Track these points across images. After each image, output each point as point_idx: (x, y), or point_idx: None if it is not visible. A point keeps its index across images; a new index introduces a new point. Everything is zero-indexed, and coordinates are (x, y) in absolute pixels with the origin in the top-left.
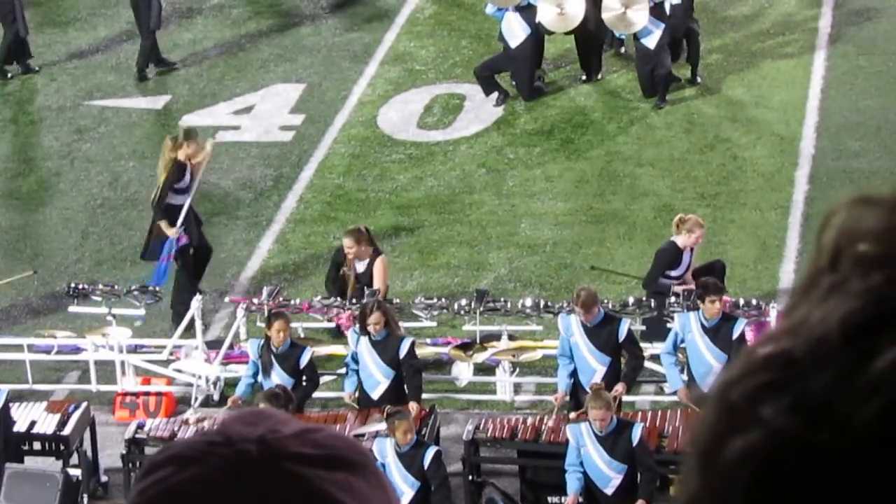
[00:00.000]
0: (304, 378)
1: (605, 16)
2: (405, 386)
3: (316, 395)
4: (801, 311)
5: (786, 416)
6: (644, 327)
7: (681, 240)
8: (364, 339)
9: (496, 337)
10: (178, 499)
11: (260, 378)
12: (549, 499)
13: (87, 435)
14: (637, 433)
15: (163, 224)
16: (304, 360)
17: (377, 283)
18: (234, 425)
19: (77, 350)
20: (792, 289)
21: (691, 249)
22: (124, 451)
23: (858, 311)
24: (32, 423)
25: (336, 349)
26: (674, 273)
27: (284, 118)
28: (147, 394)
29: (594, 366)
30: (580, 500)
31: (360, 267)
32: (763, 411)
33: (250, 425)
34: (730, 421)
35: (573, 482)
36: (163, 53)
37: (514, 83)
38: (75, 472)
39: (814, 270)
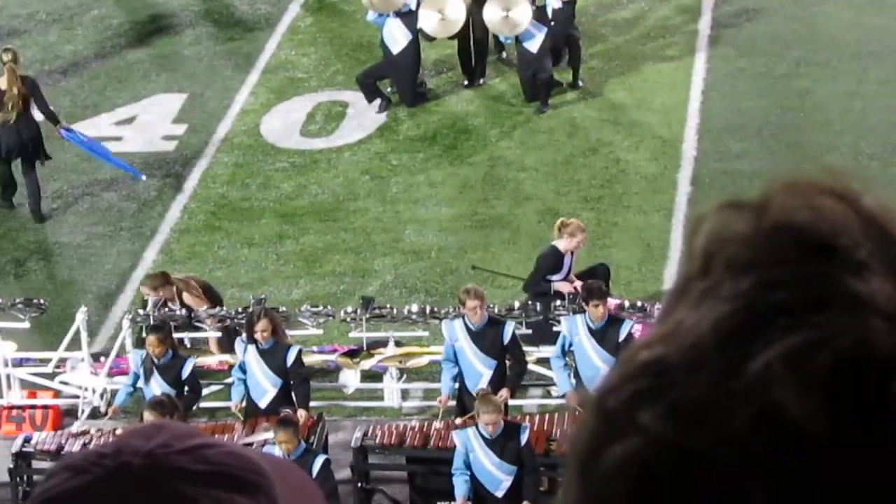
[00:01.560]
0: (185, 388)
1: (488, 19)
2: (293, 394)
3: (204, 404)
4: (674, 318)
5: (662, 423)
6: (530, 331)
7: (562, 244)
8: (252, 348)
9: (383, 343)
10: None
11: (142, 386)
12: None
13: None
14: (524, 435)
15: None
16: (186, 371)
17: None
18: (130, 438)
19: None
20: (665, 295)
21: (572, 253)
22: (11, 466)
23: (730, 316)
24: None
25: (224, 358)
26: (555, 278)
27: (167, 128)
28: (33, 407)
29: (480, 370)
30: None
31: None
32: (640, 418)
33: (145, 438)
34: (608, 428)
35: (461, 486)
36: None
37: (396, 89)
38: None
39: (685, 276)
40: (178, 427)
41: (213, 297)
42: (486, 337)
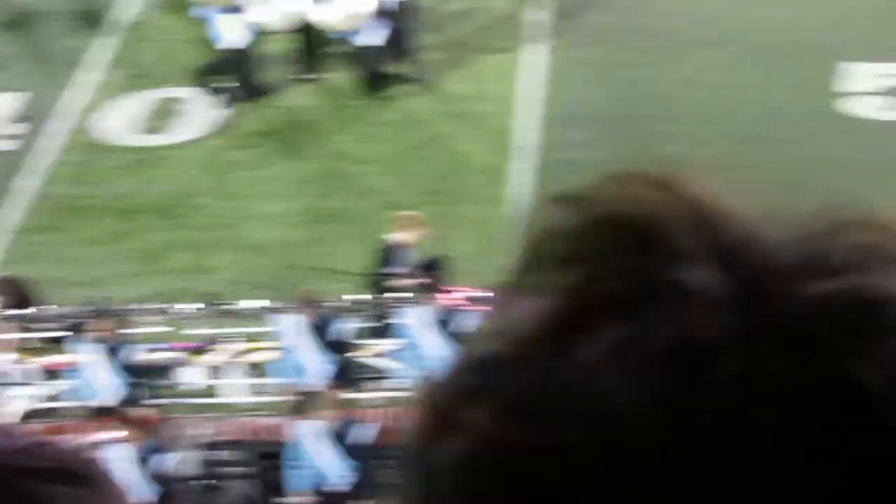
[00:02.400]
0: None
1: (327, 14)
2: (136, 392)
3: (46, 405)
4: (505, 312)
5: (491, 420)
6: (370, 324)
7: (400, 237)
8: (93, 347)
9: (227, 339)
10: None
11: None
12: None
13: None
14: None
15: None
16: None
17: None
18: None
19: None
20: (498, 289)
21: (411, 246)
22: None
23: (556, 311)
24: None
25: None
26: (394, 271)
27: (3, 128)
28: None
29: (318, 365)
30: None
31: None
32: (469, 415)
33: None
34: (437, 426)
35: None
36: None
37: (233, 85)
38: None
39: (516, 270)
40: (6, 428)
41: (20, 299)
42: (322, 333)
